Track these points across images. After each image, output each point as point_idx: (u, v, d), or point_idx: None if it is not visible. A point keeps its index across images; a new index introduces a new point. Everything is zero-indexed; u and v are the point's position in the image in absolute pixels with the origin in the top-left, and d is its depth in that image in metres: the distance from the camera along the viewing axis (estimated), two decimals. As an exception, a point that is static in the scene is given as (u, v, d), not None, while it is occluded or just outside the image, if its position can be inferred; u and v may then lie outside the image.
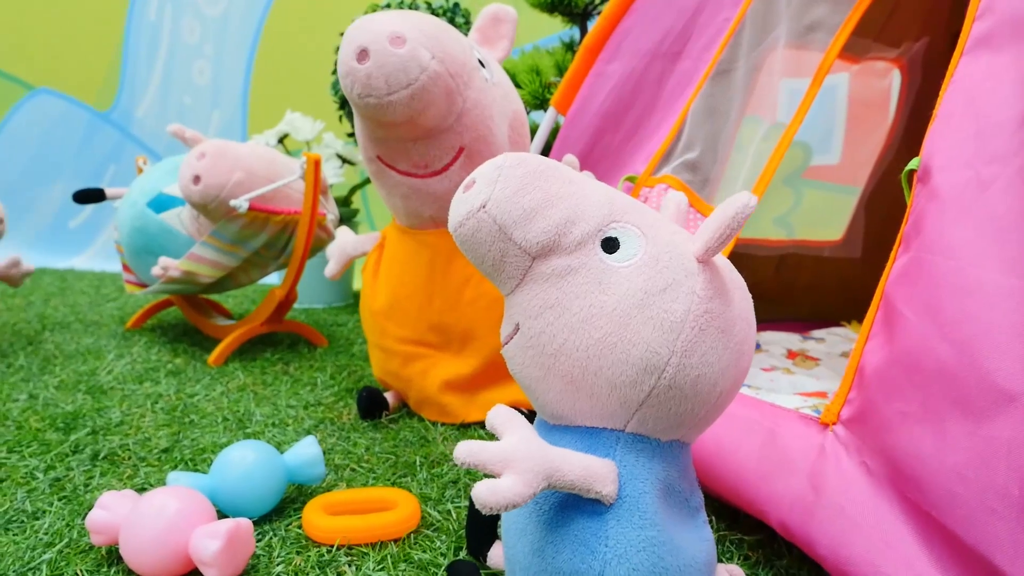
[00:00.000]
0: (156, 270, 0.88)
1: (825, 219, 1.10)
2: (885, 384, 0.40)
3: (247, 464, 0.47)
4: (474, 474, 0.55)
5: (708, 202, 0.72)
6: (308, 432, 0.64)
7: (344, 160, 1.31)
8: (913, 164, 0.46)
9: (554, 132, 0.88)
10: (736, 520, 0.44)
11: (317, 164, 0.83)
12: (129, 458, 0.57)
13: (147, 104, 1.79)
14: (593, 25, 0.86)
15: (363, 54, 0.53)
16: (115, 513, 0.42)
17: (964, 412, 0.35)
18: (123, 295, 1.36)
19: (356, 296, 1.38)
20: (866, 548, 0.37)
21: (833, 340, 0.91)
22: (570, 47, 1.09)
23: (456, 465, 0.56)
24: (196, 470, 0.55)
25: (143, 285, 1.01)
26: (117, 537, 0.41)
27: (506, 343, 0.37)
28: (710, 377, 0.34)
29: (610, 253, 0.34)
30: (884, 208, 1.05)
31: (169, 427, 0.64)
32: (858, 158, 1.08)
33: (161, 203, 0.95)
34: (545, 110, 1.05)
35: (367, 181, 1.36)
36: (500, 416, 0.33)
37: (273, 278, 1.18)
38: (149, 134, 1.80)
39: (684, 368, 0.33)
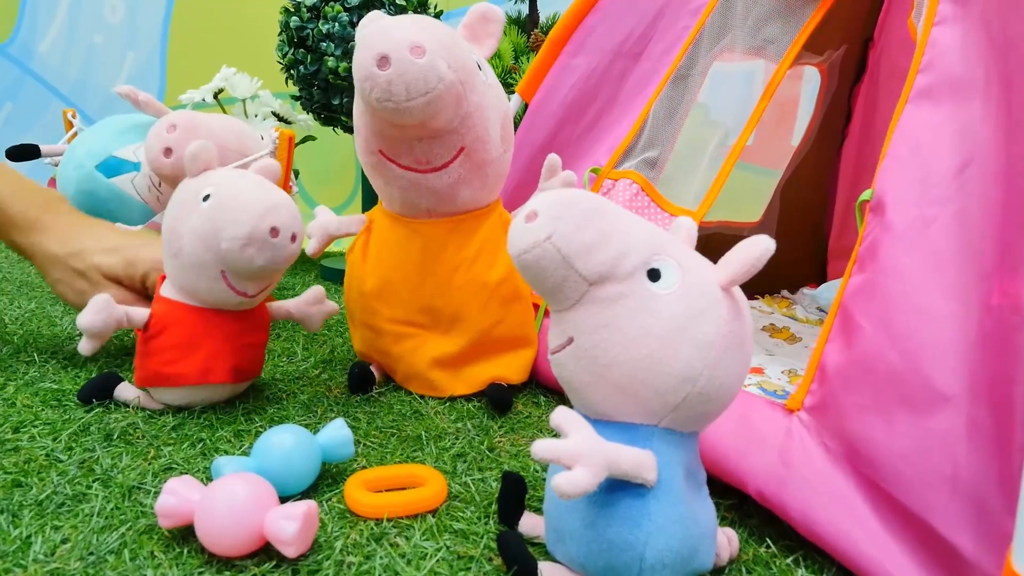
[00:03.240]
0: (110, 236, 0.87)
1: (744, 200, 1.21)
2: (844, 381, 0.50)
3: (287, 447, 0.52)
4: (478, 449, 0.62)
5: (668, 199, 0.80)
6: (305, 407, 0.68)
7: (280, 119, 1.29)
8: (866, 195, 0.55)
9: (516, 119, 0.93)
10: (712, 488, 0.53)
11: (291, 140, 0.84)
12: (143, 437, 0.60)
13: (51, 40, 1.66)
14: (559, 18, 0.90)
15: (384, 61, 0.56)
16: (183, 498, 0.45)
17: (909, 408, 0.46)
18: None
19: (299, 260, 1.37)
20: (828, 512, 0.47)
21: (752, 315, 1.02)
22: (518, 23, 1.13)
23: (458, 439, 0.63)
24: (215, 447, 0.59)
25: (87, 248, 0.99)
26: (185, 520, 0.45)
27: (556, 351, 0.43)
28: (731, 385, 0.42)
29: (654, 282, 0.41)
30: (795, 195, 1.17)
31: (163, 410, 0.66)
32: (770, 144, 1.20)
33: (112, 167, 0.92)
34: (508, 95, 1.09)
35: (304, 140, 1.35)
36: (563, 417, 0.40)
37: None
38: (54, 73, 1.67)
39: (713, 379, 0.41)
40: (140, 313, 0.63)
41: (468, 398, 0.73)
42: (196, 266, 0.60)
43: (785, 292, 1.17)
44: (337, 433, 0.54)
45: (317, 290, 0.72)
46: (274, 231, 0.58)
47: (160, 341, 0.63)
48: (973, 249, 0.48)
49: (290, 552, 0.44)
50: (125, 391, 0.66)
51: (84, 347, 0.61)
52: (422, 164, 0.64)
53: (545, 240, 0.40)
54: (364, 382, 0.72)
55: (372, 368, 0.75)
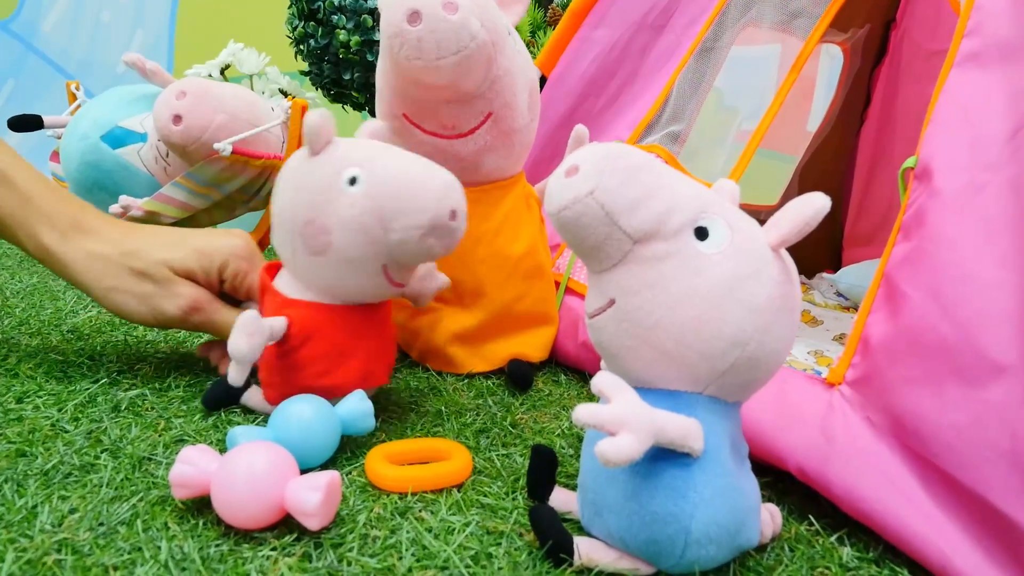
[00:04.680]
0: (115, 208, 0.85)
1: (761, 183, 1.19)
2: (889, 353, 0.48)
3: (306, 418, 0.49)
4: (501, 425, 0.59)
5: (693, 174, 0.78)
6: (319, 382, 0.66)
7: (287, 95, 1.27)
8: (910, 162, 0.53)
9: (535, 92, 0.90)
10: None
11: (304, 110, 0.81)
12: (152, 408, 0.57)
13: (56, 16, 1.63)
14: (577, -13, 0.88)
15: (415, 16, 0.53)
16: (199, 468, 0.43)
17: (961, 379, 0.43)
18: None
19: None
20: (874, 488, 0.45)
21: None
22: (539, 2, 1.10)
23: (479, 415, 0.61)
24: (228, 419, 0.57)
25: (90, 222, 0.96)
26: (201, 490, 0.43)
27: (595, 315, 0.41)
28: (780, 351, 0.40)
29: (701, 240, 0.39)
30: (813, 179, 1.15)
31: (175, 376, 0.64)
32: (787, 127, 1.18)
33: (117, 138, 0.90)
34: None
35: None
36: (606, 382, 0.37)
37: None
38: (57, 51, 1.64)
39: (763, 344, 0.39)
40: (278, 323, 0.53)
41: (487, 375, 0.71)
42: (351, 261, 0.50)
43: (802, 277, 1.15)
44: (358, 405, 0.52)
45: (427, 264, 0.61)
46: (453, 214, 0.50)
47: (307, 352, 0.53)
48: (1028, 215, 0.46)
49: (313, 524, 0.41)
50: (253, 397, 0.58)
51: (235, 376, 0.50)
52: (447, 129, 0.62)
53: (587, 195, 0.38)
54: (380, 357, 0.70)
55: (387, 344, 0.73)
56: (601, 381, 0.37)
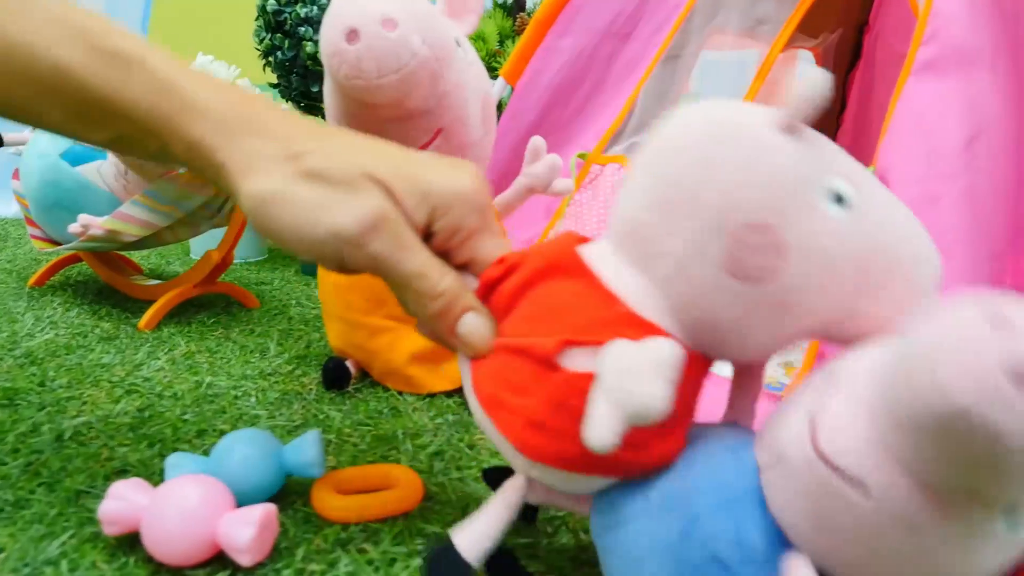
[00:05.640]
0: (75, 228, 0.83)
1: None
2: (846, 370, 0.46)
3: (249, 455, 0.47)
4: (457, 447, 0.58)
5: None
6: (276, 405, 0.64)
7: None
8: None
9: (501, 103, 0.89)
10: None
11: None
12: (97, 436, 0.56)
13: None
14: (544, -2, 0.87)
15: (352, 34, 0.52)
16: (130, 503, 0.42)
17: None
18: (8, 245, 1.26)
19: (272, 251, 1.34)
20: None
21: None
22: (505, 8, 1.09)
23: (436, 435, 0.59)
24: (174, 448, 0.55)
25: (53, 242, 0.95)
26: (132, 526, 0.41)
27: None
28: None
29: None
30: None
31: (130, 402, 0.62)
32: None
33: (77, 156, 0.88)
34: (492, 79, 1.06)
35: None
36: None
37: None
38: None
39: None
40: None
41: (449, 394, 0.69)
42: (785, 308, 0.30)
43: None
44: (308, 451, 0.49)
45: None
46: None
47: None
48: (983, 226, 0.45)
49: (245, 560, 0.40)
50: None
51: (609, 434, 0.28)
52: (397, 146, 0.60)
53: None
54: (339, 378, 0.68)
55: (349, 364, 0.71)
56: None
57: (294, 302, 0.99)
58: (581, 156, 0.80)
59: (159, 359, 0.74)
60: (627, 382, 0.27)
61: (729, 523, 0.29)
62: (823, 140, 0.30)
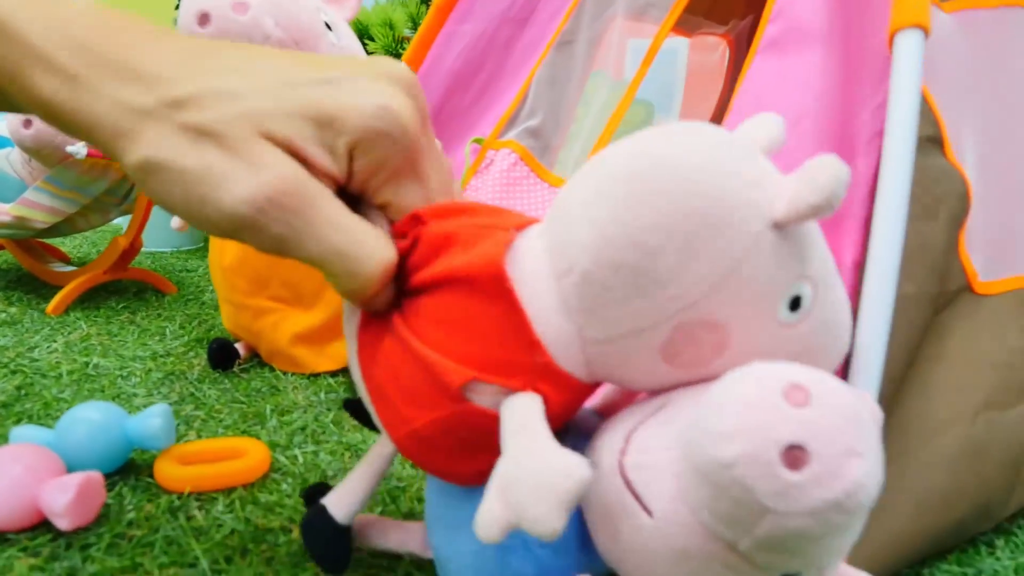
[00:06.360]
0: (-17, 215, 0.83)
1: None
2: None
3: (92, 427, 0.48)
4: (322, 422, 0.59)
5: (549, 168, 0.78)
6: (157, 385, 0.66)
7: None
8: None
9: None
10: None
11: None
12: (-35, 414, 0.57)
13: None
14: (446, -17, 0.87)
15: (204, 18, 0.53)
16: (-43, 471, 0.43)
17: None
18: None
19: (207, 240, 1.35)
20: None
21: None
22: (426, -2, 1.10)
23: (306, 412, 0.60)
24: (43, 424, 0.56)
25: (-33, 229, 0.95)
26: (-39, 494, 0.43)
27: None
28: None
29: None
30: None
31: (10, 380, 0.63)
32: (695, 119, 1.18)
33: (-14, 143, 0.89)
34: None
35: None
36: None
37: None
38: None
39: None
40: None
41: (333, 373, 0.71)
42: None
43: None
44: (152, 423, 0.50)
45: None
46: None
47: None
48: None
49: (63, 524, 0.41)
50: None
51: None
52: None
53: None
54: (224, 358, 0.70)
55: (239, 345, 0.72)
56: None
57: (211, 288, 1.00)
58: (477, 141, 0.82)
59: (55, 342, 0.75)
60: (528, 497, 0.25)
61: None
62: (811, 233, 0.27)
